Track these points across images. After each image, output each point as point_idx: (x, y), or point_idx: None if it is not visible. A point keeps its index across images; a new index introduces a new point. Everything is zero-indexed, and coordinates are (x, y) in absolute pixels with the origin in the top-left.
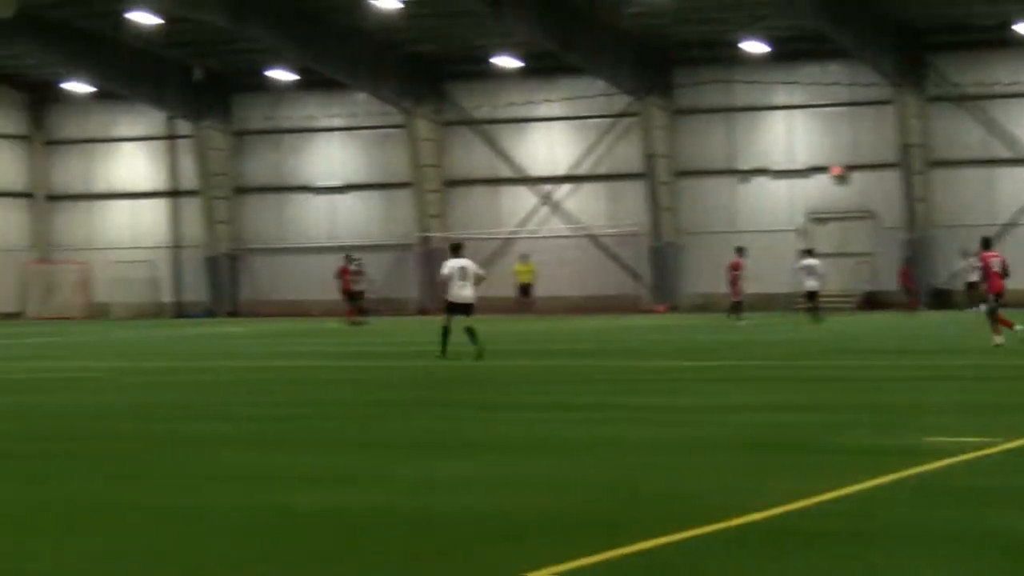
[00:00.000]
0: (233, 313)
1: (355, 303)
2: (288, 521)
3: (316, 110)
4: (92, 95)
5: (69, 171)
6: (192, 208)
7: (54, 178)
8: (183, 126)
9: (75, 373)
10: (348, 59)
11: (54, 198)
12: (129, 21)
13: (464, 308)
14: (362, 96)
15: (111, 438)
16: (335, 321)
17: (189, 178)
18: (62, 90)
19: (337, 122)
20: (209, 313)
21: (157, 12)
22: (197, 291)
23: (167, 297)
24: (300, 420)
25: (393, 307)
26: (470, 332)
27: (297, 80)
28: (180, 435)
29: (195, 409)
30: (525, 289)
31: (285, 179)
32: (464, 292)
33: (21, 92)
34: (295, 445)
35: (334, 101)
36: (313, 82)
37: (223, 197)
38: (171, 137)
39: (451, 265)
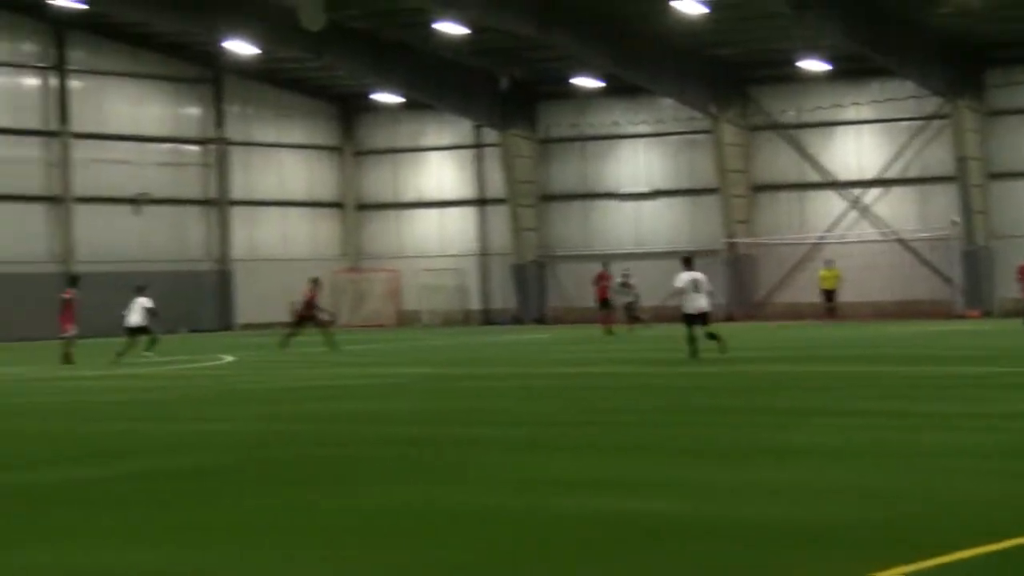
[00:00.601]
0: (540, 320)
1: (608, 310)
2: (585, 525)
3: (621, 116)
4: (400, 105)
5: (378, 180)
6: (499, 216)
7: (364, 188)
8: (490, 135)
9: (386, 380)
10: (653, 65)
11: (364, 207)
12: (436, 31)
13: (701, 317)
14: (667, 101)
15: (412, 443)
16: (623, 328)
17: (496, 186)
18: (371, 101)
19: (643, 128)
20: (517, 320)
21: (464, 22)
22: (504, 298)
23: (475, 304)
24: (605, 425)
25: None
26: (713, 336)
27: (602, 87)
28: (488, 440)
29: (503, 414)
30: (829, 295)
31: (591, 186)
32: (699, 303)
33: (332, 104)
34: (601, 450)
35: (639, 107)
36: (618, 88)
37: (529, 205)
38: (478, 146)
39: (684, 278)
